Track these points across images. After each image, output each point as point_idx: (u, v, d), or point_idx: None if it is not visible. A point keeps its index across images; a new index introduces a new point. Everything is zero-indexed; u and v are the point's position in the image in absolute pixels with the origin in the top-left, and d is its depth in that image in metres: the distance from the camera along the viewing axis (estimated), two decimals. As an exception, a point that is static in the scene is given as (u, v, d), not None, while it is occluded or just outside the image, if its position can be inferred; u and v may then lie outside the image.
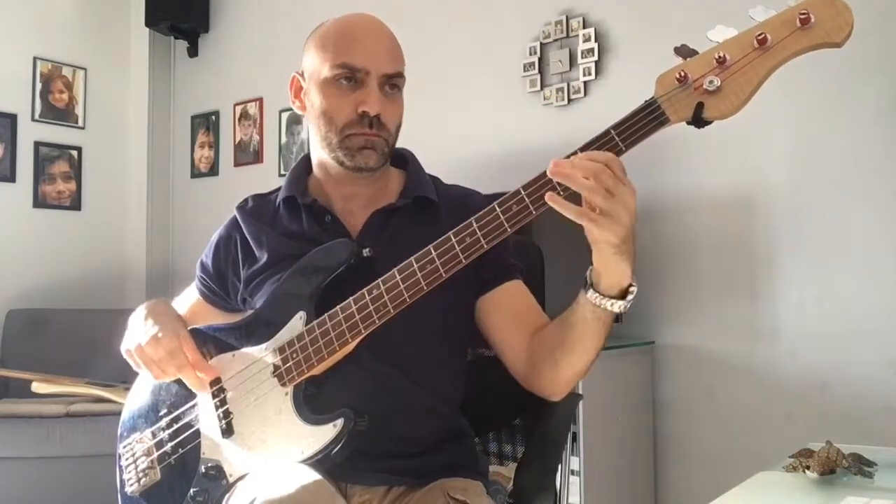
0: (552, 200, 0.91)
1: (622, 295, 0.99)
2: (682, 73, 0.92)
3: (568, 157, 0.92)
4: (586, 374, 1.12)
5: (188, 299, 1.36)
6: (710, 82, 0.91)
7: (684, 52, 0.94)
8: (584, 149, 0.94)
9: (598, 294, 1.00)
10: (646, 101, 0.94)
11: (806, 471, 1.29)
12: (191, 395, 1.17)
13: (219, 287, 1.29)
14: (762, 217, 2.36)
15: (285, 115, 3.64)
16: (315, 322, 1.08)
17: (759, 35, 0.90)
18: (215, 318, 1.30)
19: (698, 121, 0.93)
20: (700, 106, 0.92)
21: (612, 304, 1.00)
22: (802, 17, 0.88)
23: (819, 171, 2.26)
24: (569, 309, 1.06)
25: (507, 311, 1.19)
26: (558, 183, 0.92)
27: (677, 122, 0.94)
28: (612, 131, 0.94)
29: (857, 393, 2.17)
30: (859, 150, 2.20)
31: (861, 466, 1.28)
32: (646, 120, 0.93)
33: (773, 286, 2.33)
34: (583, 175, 0.89)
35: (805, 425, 2.21)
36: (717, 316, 2.43)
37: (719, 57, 0.91)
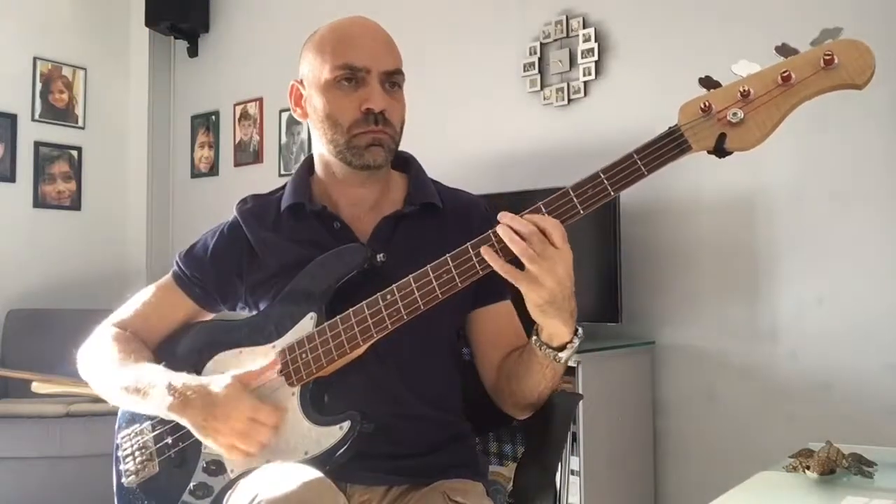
0: (487, 255, 0.98)
1: (562, 347, 1.06)
2: (707, 104, 0.95)
3: (529, 211, 0.99)
4: (539, 404, 1.19)
5: (160, 295, 1.28)
6: (734, 114, 0.94)
7: (708, 83, 0.97)
8: (605, 171, 0.98)
9: (540, 342, 1.07)
10: (669, 129, 0.97)
11: (806, 471, 1.30)
12: None
13: (214, 288, 1.26)
14: (762, 217, 2.36)
15: (285, 115, 3.64)
16: (326, 324, 1.09)
17: (784, 72, 0.92)
18: (190, 313, 1.27)
19: (720, 150, 0.96)
20: (722, 136, 0.95)
21: (551, 354, 1.07)
22: (827, 58, 0.91)
23: (819, 171, 2.26)
24: (526, 347, 1.12)
25: (491, 330, 1.23)
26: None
27: (699, 151, 0.97)
28: (635, 155, 0.97)
29: (858, 393, 2.16)
30: (859, 150, 2.20)
31: (861, 466, 1.28)
32: (669, 147, 0.96)
33: (774, 286, 2.33)
34: (518, 234, 0.96)
35: (805, 425, 2.21)
36: (717, 316, 2.43)
37: (744, 91, 0.94)
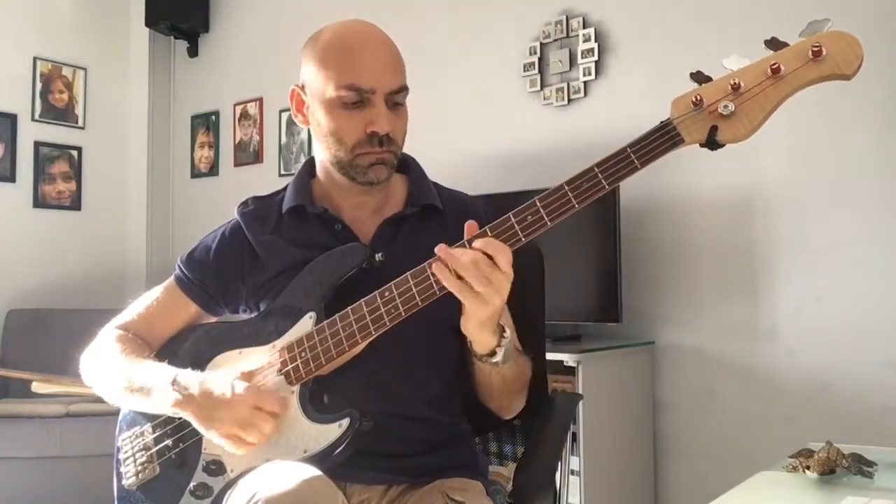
0: (438, 271, 0.99)
1: (493, 353, 1.09)
2: (698, 98, 0.96)
3: (473, 238, 1.00)
4: (512, 402, 1.22)
5: (162, 298, 1.28)
6: (725, 107, 0.95)
7: (699, 77, 0.98)
8: (599, 165, 0.99)
9: (476, 354, 1.10)
10: (661, 122, 0.98)
11: (806, 471, 1.29)
12: None
13: (216, 291, 1.26)
14: (762, 217, 2.36)
15: (285, 115, 3.64)
16: (325, 322, 1.09)
17: (774, 64, 0.94)
18: (192, 316, 1.27)
19: (712, 143, 0.97)
20: (714, 129, 0.96)
21: (488, 361, 1.10)
22: (815, 49, 0.92)
23: (818, 171, 2.26)
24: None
25: None
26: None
27: (691, 144, 0.97)
28: (629, 149, 0.98)
29: (857, 393, 2.17)
30: (858, 150, 2.20)
31: (861, 466, 1.28)
32: (661, 140, 0.97)
33: (773, 286, 2.33)
34: (465, 261, 0.98)
35: (805, 425, 2.21)
36: (717, 316, 2.43)
37: (734, 83, 0.95)
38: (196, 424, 1.08)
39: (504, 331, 1.08)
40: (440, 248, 1.00)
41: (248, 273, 1.23)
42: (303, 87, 1.19)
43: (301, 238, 1.21)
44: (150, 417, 1.21)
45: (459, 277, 0.99)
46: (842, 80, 0.94)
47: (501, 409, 1.22)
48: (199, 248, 1.28)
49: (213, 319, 1.30)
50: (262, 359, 1.13)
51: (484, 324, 1.04)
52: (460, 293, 0.99)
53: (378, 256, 1.14)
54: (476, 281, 0.98)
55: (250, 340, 1.16)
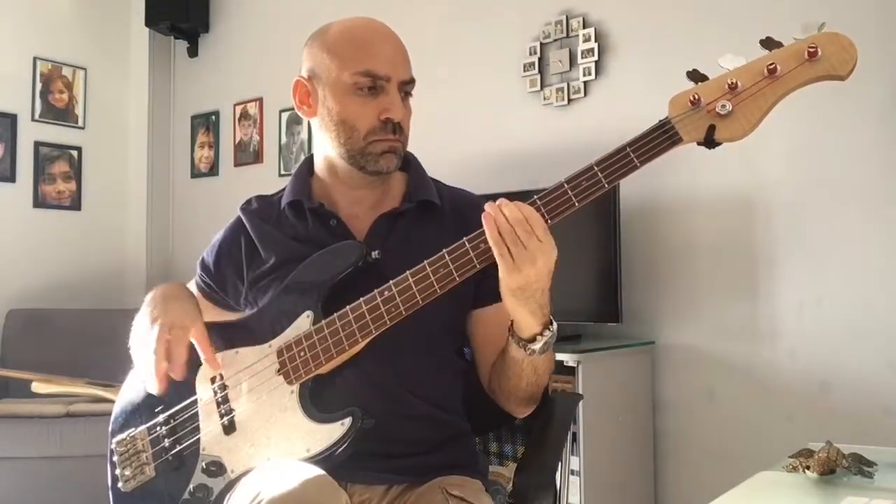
0: (485, 221, 1.00)
1: (533, 339, 1.07)
2: (696, 97, 0.97)
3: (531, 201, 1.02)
4: (531, 400, 1.20)
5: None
6: (723, 106, 0.96)
7: (696, 76, 0.99)
8: (598, 164, 0.99)
9: (511, 332, 1.09)
10: (660, 121, 0.99)
11: (806, 471, 1.30)
12: (190, 391, 1.17)
13: (219, 287, 1.30)
14: (762, 217, 2.36)
15: (285, 115, 3.64)
16: (323, 321, 1.09)
17: (770, 65, 0.95)
18: (214, 315, 1.30)
19: (710, 142, 0.98)
20: (712, 128, 0.97)
21: (524, 345, 1.08)
22: (811, 50, 0.94)
23: (818, 171, 2.26)
24: (505, 346, 1.14)
25: (490, 330, 1.22)
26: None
27: (689, 143, 0.98)
28: (628, 148, 0.99)
29: (857, 393, 2.16)
30: (859, 150, 2.20)
31: (861, 466, 1.28)
32: (660, 139, 0.98)
33: (773, 286, 2.33)
34: (505, 219, 0.99)
35: (805, 425, 2.21)
36: (717, 316, 2.43)
37: (731, 83, 0.96)
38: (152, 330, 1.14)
39: (551, 323, 1.08)
40: (489, 204, 1.01)
41: (246, 266, 1.25)
42: (309, 78, 1.20)
43: (298, 232, 1.22)
44: (143, 419, 1.21)
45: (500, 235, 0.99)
46: (836, 81, 0.95)
47: (517, 399, 1.19)
48: (209, 248, 1.33)
49: (232, 316, 1.30)
50: (259, 358, 1.13)
51: (516, 295, 1.02)
52: (496, 248, 0.99)
53: (374, 254, 1.14)
54: (510, 239, 0.98)
55: (247, 340, 1.16)
